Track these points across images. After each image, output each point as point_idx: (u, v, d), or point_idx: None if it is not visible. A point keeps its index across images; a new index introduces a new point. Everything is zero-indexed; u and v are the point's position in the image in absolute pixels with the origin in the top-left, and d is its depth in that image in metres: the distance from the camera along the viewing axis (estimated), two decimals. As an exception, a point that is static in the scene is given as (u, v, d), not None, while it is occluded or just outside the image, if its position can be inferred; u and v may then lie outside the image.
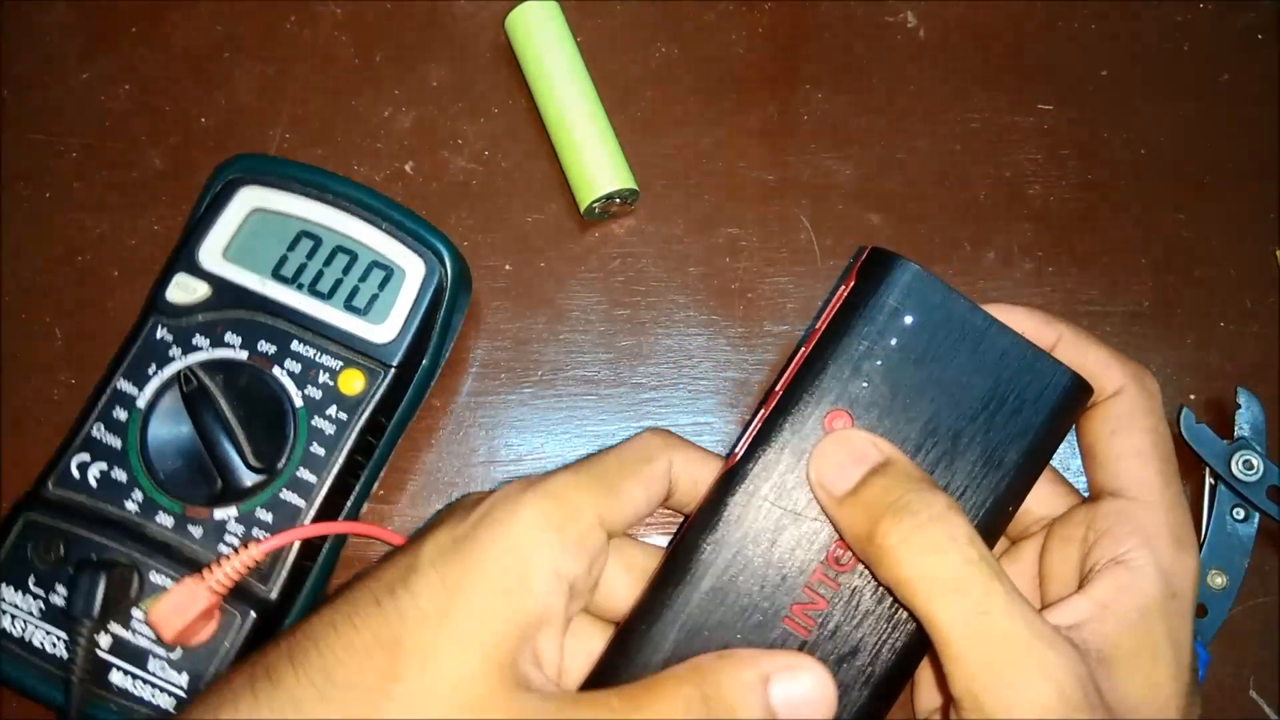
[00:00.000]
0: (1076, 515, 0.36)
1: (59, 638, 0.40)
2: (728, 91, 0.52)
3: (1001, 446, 0.33)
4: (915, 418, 0.33)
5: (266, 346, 0.43)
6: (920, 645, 0.33)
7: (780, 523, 0.33)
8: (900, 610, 0.33)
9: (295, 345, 0.43)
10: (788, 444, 0.33)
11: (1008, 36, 0.53)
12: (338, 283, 0.44)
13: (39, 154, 0.50)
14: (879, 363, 0.33)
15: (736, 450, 0.35)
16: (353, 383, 0.42)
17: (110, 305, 0.48)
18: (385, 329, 0.43)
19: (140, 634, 0.40)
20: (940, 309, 0.34)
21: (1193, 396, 0.48)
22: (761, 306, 0.49)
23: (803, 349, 0.35)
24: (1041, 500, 0.38)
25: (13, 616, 0.40)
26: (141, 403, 0.42)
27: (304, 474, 0.42)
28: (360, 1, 0.53)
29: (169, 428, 0.42)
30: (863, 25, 0.53)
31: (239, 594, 0.40)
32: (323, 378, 0.42)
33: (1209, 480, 0.46)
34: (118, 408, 0.42)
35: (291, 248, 0.44)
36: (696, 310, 0.49)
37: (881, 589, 0.33)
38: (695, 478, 0.36)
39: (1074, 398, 0.34)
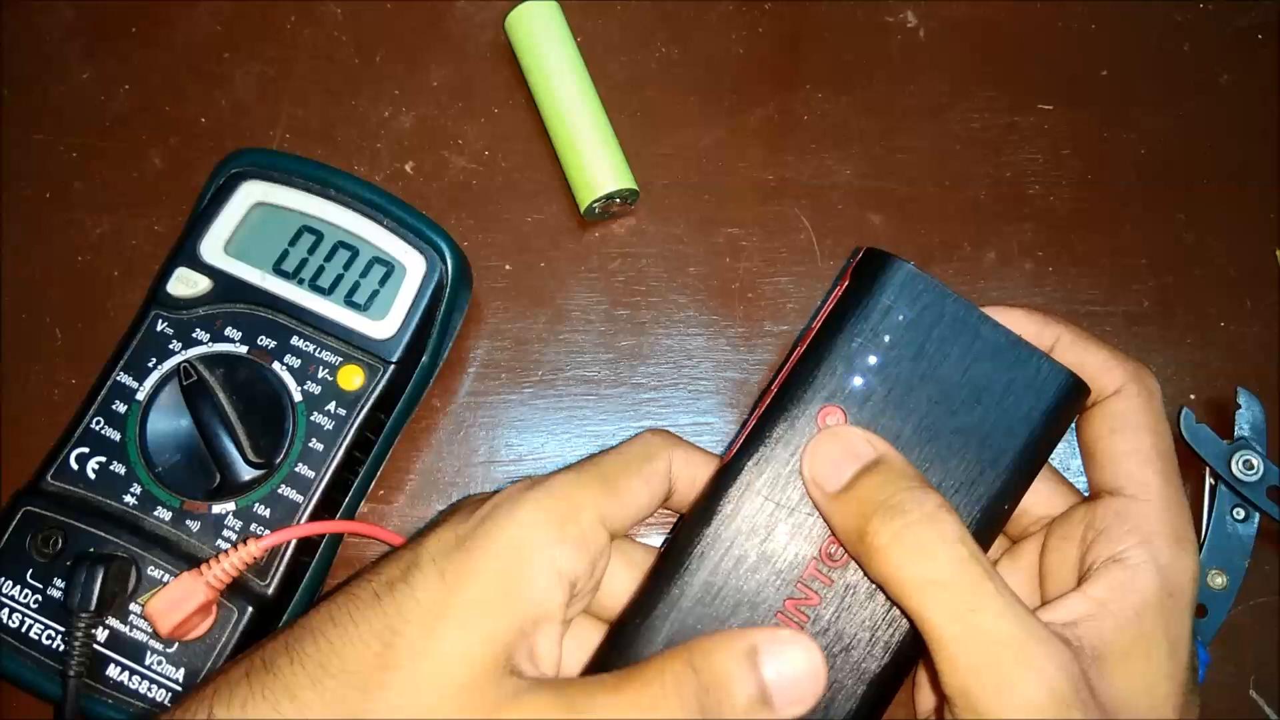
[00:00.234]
0: (1076, 514, 0.36)
1: (56, 631, 0.40)
2: (728, 91, 0.52)
3: (997, 445, 0.33)
4: (909, 415, 0.33)
5: (266, 341, 0.43)
6: (916, 642, 0.32)
7: (774, 517, 0.33)
8: (894, 607, 0.33)
9: (295, 340, 0.43)
10: (781, 439, 0.34)
11: (1008, 36, 0.53)
12: (338, 278, 0.44)
13: (39, 154, 0.51)
14: (873, 360, 0.33)
15: (732, 447, 0.35)
16: (352, 378, 0.43)
17: (110, 305, 0.48)
18: (385, 325, 0.43)
19: (137, 628, 0.40)
20: (934, 307, 0.34)
21: (1193, 396, 0.48)
22: (761, 306, 0.49)
23: (798, 347, 0.35)
24: (1041, 499, 0.38)
25: (10, 609, 0.40)
26: (141, 396, 0.42)
27: (302, 469, 0.42)
28: (360, 1, 0.53)
29: (168, 421, 0.42)
30: (863, 25, 0.53)
31: (236, 589, 0.40)
32: (322, 373, 0.42)
33: (1209, 480, 0.46)
34: (117, 401, 0.42)
35: (293, 242, 0.44)
36: (696, 310, 0.49)
37: (875, 585, 0.33)
38: (695, 477, 0.37)
39: (1070, 397, 0.34)
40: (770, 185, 0.51)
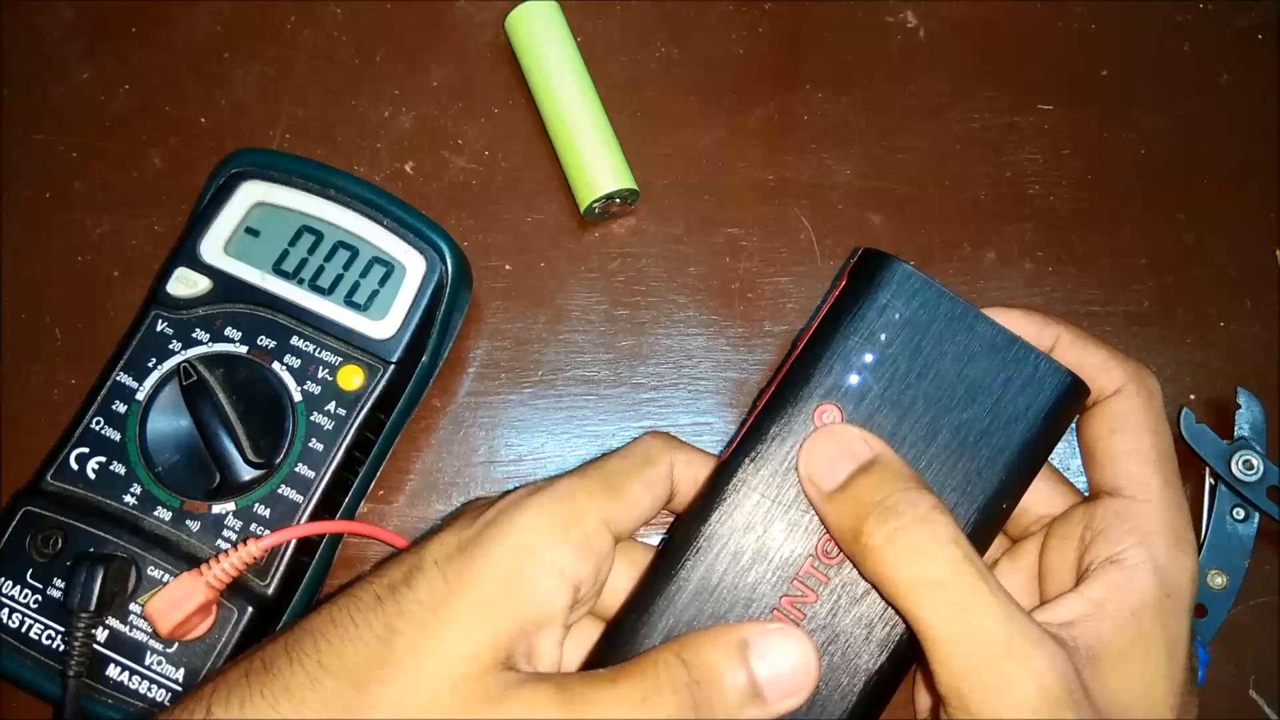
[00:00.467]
0: (1075, 514, 0.36)
1: (56, 631, 0.40)
2: (728, 91, 0.52)
3: (995, 444, 0.33)
4: (906, 414, 0.33)
5: (266, 341, 0.43)
6: (913, 640, 0.32)
7: (770, 514, 0.33)
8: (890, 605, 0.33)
9: (295, 340, 0.43)
10: (778, 436, 0.34)
11: (1008, 36, 0.53)
12: (338, 278, 0.44)
13: (39, 154, 0.51)
14: (869, 358, 0.33)
15: (730, 445, 0.35)
16: (352, 378, 0.43)
17: (110, 305, 0.48)
18: (385, 325, 0.43)
19: (137, 628, 0.40)
20: (931, 306, 0.34)
21: (1193, 396, 0.48)
22: (761, 306, 0.49)
23: (795, 347, 0.35)
24: (1041, 499, 0.38)
25: (10, 609, 0.40)
26: (141, 396, 0.42)
27: (302, 469, 0.42)
28: (360, 1, 0.53)
29: (168, 421, 0.42)
30: (863, 25, 0.53)
31: (236, 589, 0.40)
32: (322, 373, 0.43)
33: (1209, 480, 0.46)
34: (117, 401, 0.42)
35: (293, 242, 0.44)
36: (696, 310, 0.49)
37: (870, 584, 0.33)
38: (696, 480, 0.36)
39: (1069, 397, 0.34)
40: (770, 185, 0.51)
